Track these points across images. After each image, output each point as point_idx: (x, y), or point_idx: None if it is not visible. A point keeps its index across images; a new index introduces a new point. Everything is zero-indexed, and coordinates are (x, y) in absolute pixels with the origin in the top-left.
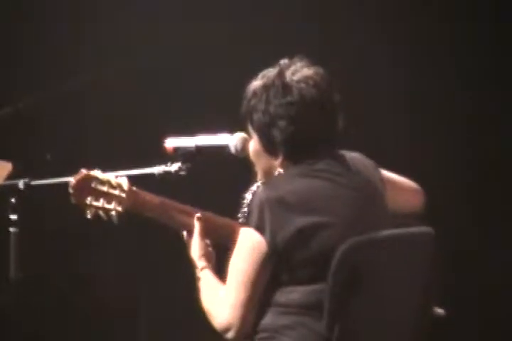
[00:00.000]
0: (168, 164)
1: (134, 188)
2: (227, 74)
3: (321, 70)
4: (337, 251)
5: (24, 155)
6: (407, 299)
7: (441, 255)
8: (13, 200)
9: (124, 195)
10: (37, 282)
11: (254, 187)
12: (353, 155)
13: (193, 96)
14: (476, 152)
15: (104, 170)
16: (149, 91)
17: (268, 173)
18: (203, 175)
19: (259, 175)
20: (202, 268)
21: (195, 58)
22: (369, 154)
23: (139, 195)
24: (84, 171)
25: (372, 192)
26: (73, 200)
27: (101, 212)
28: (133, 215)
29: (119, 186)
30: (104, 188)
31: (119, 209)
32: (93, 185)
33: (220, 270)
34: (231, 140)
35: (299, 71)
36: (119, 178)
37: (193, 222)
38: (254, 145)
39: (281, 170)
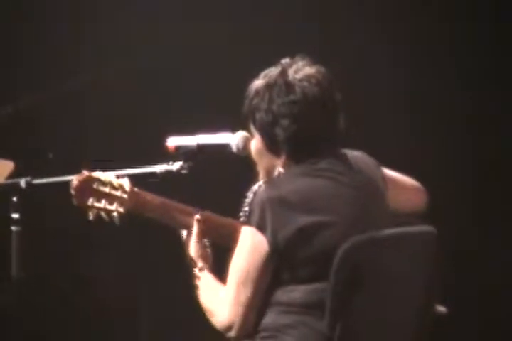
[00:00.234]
0: (170, 163)
1: (136, 189)
2: (227, 74)
3: (322, 69)
4: (339, 250)
5: (26, 154)
6: (409, 298)
7: (441, 255)
8: (14, 199)
9: (125, 195)
10: (38, 282)
11: (255, 186)
12: (355, 154)
13: (193, 96)
14: (476, 152)
15: (106, 169)
16: (149, 91)
17: (270, 172)
18: (205, 174)
19: (261, 174)
20: (200, 269)
21: (195, 58)
22: (369, 154)
23: (140, 196)
24: (85, 172)
25: (374, 191)
26: (75, 202)
27: (103, 213)
28: (134, 216)
29: (120, 187)
30: (106, 189)
31: (121, 210)
32: (95, 186)
33: (221, 269)
34: (233, 139)
35: (301, 70)
36: (121, 179)
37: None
38: (256, 144)
39: (284, 169)
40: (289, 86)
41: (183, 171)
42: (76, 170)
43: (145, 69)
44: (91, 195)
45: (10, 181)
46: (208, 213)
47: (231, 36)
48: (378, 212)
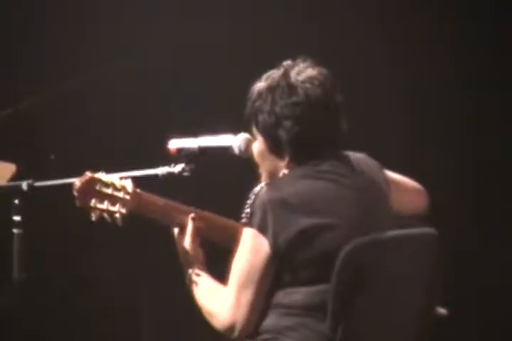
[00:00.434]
0: (172, 165)
1: (138, 190)
2: (228, 74)
3: (324, 71)
4: (341, 252)
5: (27, 157)
6: (410, 300)
7: (441, 255)
8: (16, 202)
9: (128, 197)
10: (39, 283)
11: (257, 188)
12: (357, 156)
13: (194, 96)
14: (476, 152)
15: (107, 171)
16: (150, 91)
17: (272, 174)
18: (207, 176)
19: (264, 176)
20: (195, 268)
21: (195, 58)
22: (369, 154)
23: (143, 197)
24: (88, 174)
25: (377, 193)
26: (78, 203)
27: (105, 215)
28: (136, 217)
29: (123, 188)
30: (109, 190)
31: (124, 211)
32: (97, 187)
33: (222, 271)
34: (234, 141)
35: (303, 71)
36: (124, 180)
37: (197, 223)
38: (258, 146)
39: (286, 171)
40: (291, 88)
41: (185, 173)
42: (78, 172)
43: (145, 69)
44: (93, 196)
45: (12, 183)
46: (209, 214)
47: (231, 36)
48: (381, 214)
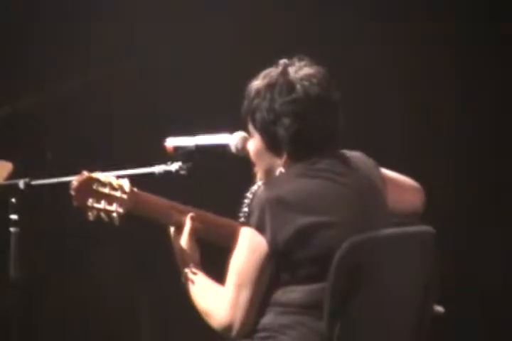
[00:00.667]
0: (169, 163)
1: (136, 189)
2: (227, 74)
3: (321, 69)
4: (338, 250)
5: (24, 155)
6: (408, 298)
7: (441, 255)
8: (13, 200)
9: (125, 196)
10: (37, 282)
11: (255, 187)
12: (353, 154)
13: (193, 96)
14: (476, 152)
15: (105, 169)
16: (149, 91)
17: (269, 172)
18: (204, 175)
19: (260, 175)
20: (191, 267)
21: (195, 58)
22: (369, 154)
23: (140, 197)
24: (85, 173)
25: (373, 192)
26: (75, 203)
27: (102, 214)
28: (133, 216)
29: (120, 187)
30: (106, 190)
31: (121, 210)
32: (94, 186)
33: (220, 270)
34: (231, 139)
35: (301, 69)
36: (121, 180)
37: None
38: (255, 144)
39: (283, 169)
40: (290, 85)
41: (182, 172)
42: (75, 171)
43: (145, 69)
44: (91, 195)
45: (8, 182)
46: (206, 213)
47: (231, 36)
48: (377, 213)
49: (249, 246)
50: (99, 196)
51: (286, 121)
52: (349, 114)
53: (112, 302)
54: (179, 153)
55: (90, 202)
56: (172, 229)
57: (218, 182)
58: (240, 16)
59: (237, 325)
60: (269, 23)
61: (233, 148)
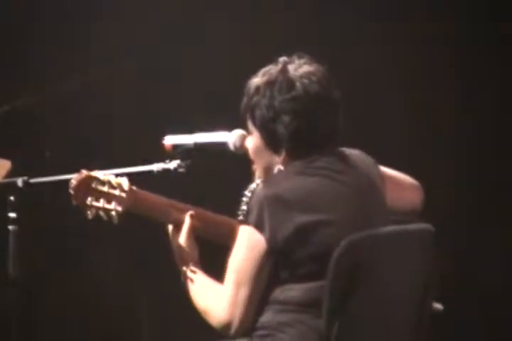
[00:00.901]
0: (167, 162)
1: (135, 188)
2: (227, 73)
3: (320, 67)
4: (336, 248)
5: (23, 153)
6: (406, 295)
7: (441, 255)
8: (12, 198)
9: (124, 194)
10: (36, 280)
11: (253, 185)
12: (352, 152)
13: (193, 96)
14: (476, 152)
15: (103, 167)
16: (149, 91)
17: (268, 170)
18: (202, 173)
19: (258, 173)
20: (190, 265)
21: (195, 58)
22: (369, 154)
23: (139, 195)
24: (84, 172)
25: (372, 189)
26: (74, 201)
27: (101, 212)
28: (133, 214)
29: (119, 186)
30: (105, 188)
31: (119, 209)
32: (93, 185)
33: (218, 268)
34: (230, 137)
35: (301, 67)
36: (120, 178)
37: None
38: (254, 142)
39: (282, 167)
40: (290, 82)
41: (181, 170)
42: (73, 169)
43: (145, 69)
44: (90, 194)
45: (7, 180)
46: (205, 211)
47: (231, 36)
48: (376, 210)
49: (247, 244)
50: (98, 194)
51: (286, 118)
52: (349, 113)
53: (111, 301)
54: (178, 151)
55: (89, 200)
56: (171, 228)
57: (217, 180)
58: (240, 16)
59: (235, 323)
60: (269, 23)
61: (232, 146)
